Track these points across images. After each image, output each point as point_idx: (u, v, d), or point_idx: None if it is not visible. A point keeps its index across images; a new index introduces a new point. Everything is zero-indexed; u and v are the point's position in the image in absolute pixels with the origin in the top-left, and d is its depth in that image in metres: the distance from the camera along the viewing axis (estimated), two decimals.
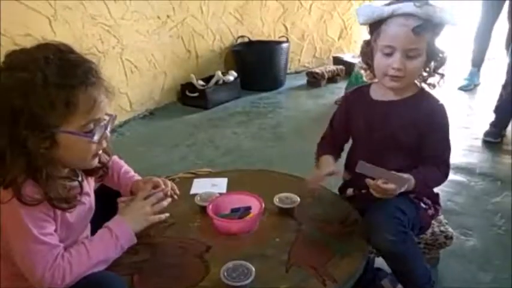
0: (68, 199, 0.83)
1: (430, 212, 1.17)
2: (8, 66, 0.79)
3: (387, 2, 1.08)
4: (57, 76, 0.77)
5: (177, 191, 1.07)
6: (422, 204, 1.15)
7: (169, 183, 1.06)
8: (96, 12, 2.54)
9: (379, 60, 1.08)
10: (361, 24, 1.11)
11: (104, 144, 0.90)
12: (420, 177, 1.04)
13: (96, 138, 0.84)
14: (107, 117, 0.88)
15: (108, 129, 0.88)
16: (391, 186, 0.98)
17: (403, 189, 1.01)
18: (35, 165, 0.78)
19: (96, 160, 0.91)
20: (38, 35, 2.16)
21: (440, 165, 1.10)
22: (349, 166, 1.18)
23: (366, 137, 1.06)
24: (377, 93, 1.16)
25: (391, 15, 1.04)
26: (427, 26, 1.02)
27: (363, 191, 1.17)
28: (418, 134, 1.09)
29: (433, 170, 1.09)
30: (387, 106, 1.13)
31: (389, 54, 1.05)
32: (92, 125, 0.83)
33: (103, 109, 0.85)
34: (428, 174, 1.07)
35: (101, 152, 0.90)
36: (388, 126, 1.10)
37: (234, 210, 1.07)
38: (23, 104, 0.76)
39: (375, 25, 1.08)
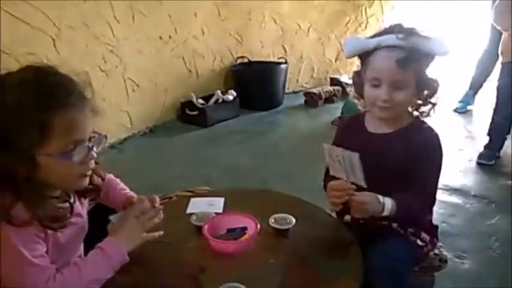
0: (57, 219, 0.83)
1: (426, 249, 1.15)
2: None
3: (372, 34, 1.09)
4: (31, 98, 0.77)
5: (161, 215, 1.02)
6: (419, 242, 1.13)
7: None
8: (99, 32, 2.61)
9: (367, 91, 1.09)
10: (347, 57, 1.12)
11: (92, 165, 0.88)
12: (402, 204, 1.03)
13: (76, 159, 0.82)
14: (95, 136, 0.86)
15: (95, 149, 0.87)
16: (362, 199, 0.99)
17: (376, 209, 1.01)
18: (19, 187, 0.78)
19: (86, 181, 0.89)
20: (42, 54, 2.22)
21: (425, 197, 1.09)
22: None
23: None
24: (371, 125, 1.16)
25: (377, 48, 1.05)
26: (412, 58, 1.02)
27: (361, 221, 1.16)
28: (411, 165, 1.08)
29: (417, 200, 1.07)
30: (381, 140, 1.12)
31: (377, 86, 1.06)
32: (71, 147, 0.81)
33: (84, 130, 0.84)
34: (411, 203, 1.06)
35: (89, 173, 0.89)
36: (382, 160, 1.09)
37: (229, 231, 1.08)
38: None
39: (364, 56, 1.09)
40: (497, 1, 2.32)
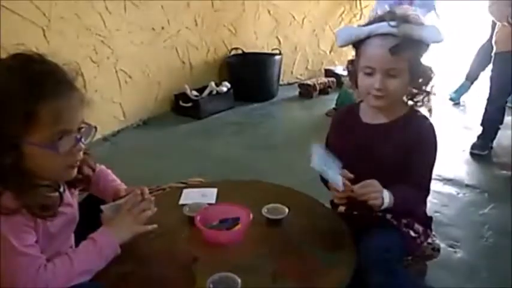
0: (46, 207, 0.82)
1: (419, 240, 1.16)
2: None
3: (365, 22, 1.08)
4: (17, 86, 0.76)
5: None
6: (412, 233, 1.13)
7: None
8: (91, 23, 2.57)
9: (361, 80, 1.09)
10: (340, 47, 1.12)
11: (80, 156, 0.87)
12: (400, 196, 1.02)
13: (62, 150, 0.81)
14: (84, 127, 0.86)
15: (83, 140, 0.86)
16: (368, 189, 0.99)
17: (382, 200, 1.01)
18: (5, 175, 0.78)
19: (73, 172, 0.88)
20: (32, 45, 2.17)
21: (420, 188, 1.09)
22: None
23: (354, 159, 1.05)
24: (366, 116, 1.16)
25: (370, 36, 1.04)
26: (405, 46, 1.01)
27: (355, 212, 1.16)
28: (406, 156, 1.08)
29: (413, 191, 1.07)
30: (377, 131, 1.12)
31: (370, 75, 1.06)
32: (58, 137, 0.81)
33: (72, 121, 0.83)
34: (408, 194, 1.06)
35: (77, 164, 0.88)
36: (377, 151, 1.09)
37: (222, 221, 1.08)
38: None
39: (357, 45, 1.09)
40: None
